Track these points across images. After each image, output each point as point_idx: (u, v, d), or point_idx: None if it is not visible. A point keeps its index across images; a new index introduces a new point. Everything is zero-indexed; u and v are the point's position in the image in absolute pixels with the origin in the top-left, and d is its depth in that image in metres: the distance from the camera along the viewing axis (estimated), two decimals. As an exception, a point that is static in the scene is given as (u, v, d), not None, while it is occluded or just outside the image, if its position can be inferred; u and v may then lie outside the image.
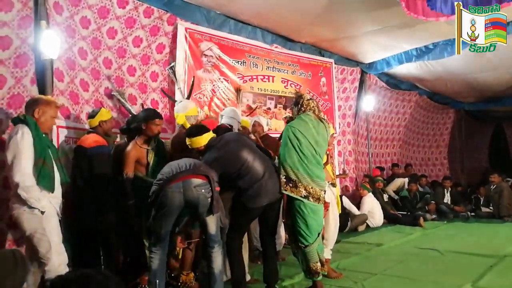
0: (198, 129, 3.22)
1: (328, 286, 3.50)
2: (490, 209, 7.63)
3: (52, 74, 3.44)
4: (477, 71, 7.37)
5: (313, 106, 3.39)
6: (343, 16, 5.13)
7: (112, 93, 4.12)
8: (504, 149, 12.69)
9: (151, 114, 3.44)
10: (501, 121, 12.28)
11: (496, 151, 12.67)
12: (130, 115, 3.88)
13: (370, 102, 7.55)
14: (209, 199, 2.83)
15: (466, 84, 8.19)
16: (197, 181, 2.81)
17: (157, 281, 2.80)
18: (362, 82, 7.53)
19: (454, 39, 5.86)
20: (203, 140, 3.14)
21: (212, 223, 2.92)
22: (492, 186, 7.62)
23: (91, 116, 3.52)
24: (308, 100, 3.41)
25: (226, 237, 3.24)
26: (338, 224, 4.06)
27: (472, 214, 7.68)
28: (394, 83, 8.08)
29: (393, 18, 5.12)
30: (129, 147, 3.36)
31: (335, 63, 6.80)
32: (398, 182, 7.90)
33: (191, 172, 2.83)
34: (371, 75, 7.61)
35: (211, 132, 3.22)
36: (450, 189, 8.11)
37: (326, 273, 3.43)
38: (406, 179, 7.96)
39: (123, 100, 4.08)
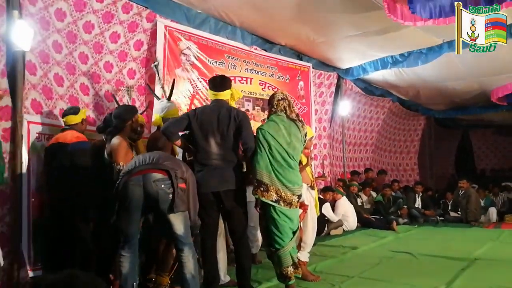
0: None
1: (306, 289, 3.49)
2: (458, 213, 7.87)
3: (23, 67, 3.28)
4: (447, 79, 7.62)
5: (284, 107, 3.30)
6: (324, 17, 5.14)
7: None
8: (469, 156, 13.21)
9: (134, 108, 3.49)
10: (467, 129, 12.79)
11: (461, 158, 13.17)
12: (108, 114, 3.75)
13: (345, 107, 7.66)
14: (170, 195, 2.70)
15: (437, 91, 8.45)
16: (156, 175, 2.72)
17: (134, 283, 2.69)
18: (338, 87, 7.62)
19: (428, 48, 6.22)
20: None
21: (178, 222, 2.76)
22: (460, 192, 7.87)
23: (73, 113, 3.39)
24: (278, 100, 3.33)
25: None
26: (316, 227, 4.05)
27: (441, 218, 7.91)
28: (369, 89, 8.23)
29: (372, 23, 5.21)
30: (118, 140, 3.22)
31: (313, 67, 6.85)
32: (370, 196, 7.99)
33: (152, 166, 2.74)
34: (347, 81, 7.72)
35: None
36: (421, 194, 8.33)
37: (300, 276, 3.38)
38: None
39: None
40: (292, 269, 3.21)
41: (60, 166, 3.20)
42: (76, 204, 3.14)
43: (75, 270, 1.01)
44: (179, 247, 2.80)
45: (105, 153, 3.28)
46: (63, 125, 3.46)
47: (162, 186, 2.70)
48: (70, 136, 3.25)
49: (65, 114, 3.43)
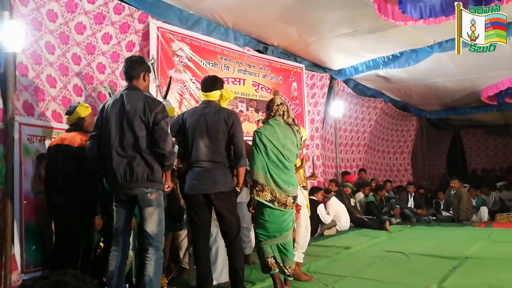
0: None
1: (300, 289, 3.51)
2: (450, 213, 7.93)
3: (14, 68, 3.25)
4: (438, 76, 7.65)
5: (283, 111, 3.37)
6: (315, 15, 5.14)
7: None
8: (460, 156, 13.31)
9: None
10: (459, 129, 12.89)
11: (453, 158, 13.27)
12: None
13: (337, 108, 7.70)
14: (148, 195, 2.78)
15: (428, 90, 8.50)
16: (135, 190, 2.83)
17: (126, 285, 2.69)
18: (330, 88, 7.66)
19: (419, 48, 6.27)
20: None
21: (151, 221, 2.78)
22: (452, 191, 7.93)
23: (69, 112, 3.35)
24: (278, 105, 3.40)
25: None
26: (310, 228, 4.07)
27: (433, 218, 7.97)
28: (361, 89, 8.27)
29: (364, 21, 5.23)
30: None
31: (305, 69, 6.88)
32: (360, 196, 8.02)
33: (132, 184, 2.80)
34: (340, 82, 7.75)
35: None
36: (413, 194, 8.38)
37: (292, 277, 3.41)
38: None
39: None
40: (274, 260, 3.26)
41: (65, 170, 3.16)
42: (79, 208, 3.12)
43: (65, 274, 0.98)
44: (145, 245, 2.81)
45: None
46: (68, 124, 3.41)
47: (141, 189, 2.81)
48: (80, 140, 3.19)
49: (66, 113, 3.42)
